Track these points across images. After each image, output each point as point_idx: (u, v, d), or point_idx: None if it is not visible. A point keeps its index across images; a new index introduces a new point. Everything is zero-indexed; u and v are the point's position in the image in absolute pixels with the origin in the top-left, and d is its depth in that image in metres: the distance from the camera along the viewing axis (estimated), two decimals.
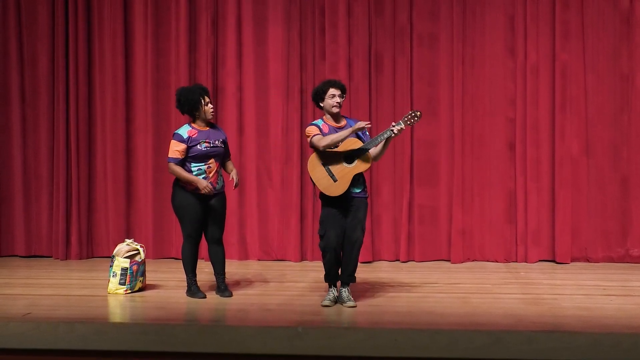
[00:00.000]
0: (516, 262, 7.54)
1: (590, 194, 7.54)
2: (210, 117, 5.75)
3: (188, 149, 5.62)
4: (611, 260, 7.50)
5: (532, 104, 7.55)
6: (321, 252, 5.52)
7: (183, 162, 5.63)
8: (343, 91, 5.56)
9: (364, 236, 5.53)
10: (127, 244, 6.09)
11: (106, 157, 7.91)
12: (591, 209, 7.54)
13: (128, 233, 7.70)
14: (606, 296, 5.82)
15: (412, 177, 7.68)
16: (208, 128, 5.74)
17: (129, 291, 5.92)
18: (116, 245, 6.19)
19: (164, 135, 7.85)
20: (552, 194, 7.55)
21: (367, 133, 5.60)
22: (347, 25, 7.64)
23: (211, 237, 5.78)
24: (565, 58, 7.51)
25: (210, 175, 5.66)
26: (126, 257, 5.96)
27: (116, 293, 5.89)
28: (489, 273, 7.01)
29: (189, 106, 5.70)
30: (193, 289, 5.79)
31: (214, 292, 5.88)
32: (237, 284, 6.36)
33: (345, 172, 5.39)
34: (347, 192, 5.41)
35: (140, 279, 6.03)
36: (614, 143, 7.52)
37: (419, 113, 5.49)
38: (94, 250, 7.97)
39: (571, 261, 7.47)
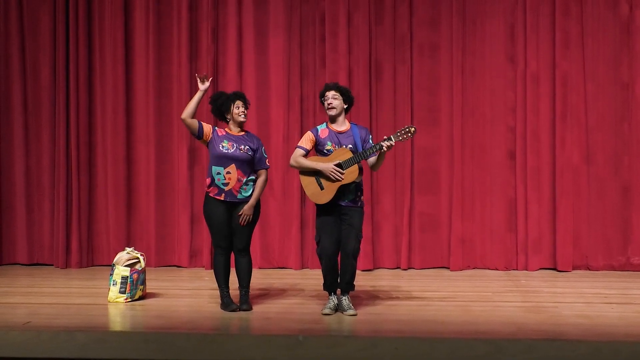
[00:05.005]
0: (517, 270, 7.54)
1: (591, 202, 7.55)
2: (241, 119, 5.61)
3: (208, 143, 5.56)
4: (612, 268, 7.50)
5: (532, 112, 7.56)
6: (318, 259, 5.53)
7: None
8: (340, 92, 5.50)
9: (360, 244, 5.48)
10: (128, 253, 6.09)
11: (107, 166, 7.93)
12: (592, 217, 7.54)
13: (128, 242, 7.71)
14: (607, 304, 5.81)
15: (412, 185, 7.70)
16: (241, 134, 5.64)
17: (129, 300, 5.92)
18: (116, 254, 6.19)
19: (165, 144, 7.88)
20: (553, 203, 7.55)
21: (370, 140, 5.55)
22: (347, 35, 7.66)
23: (235, 247, 5.63)
24: (565, 66, 7.52)
25: (231, 182, 5.52)
26: (126, 266, 5.95)
27: (116, 301, 5.89)
28: (490, 281, 7.01)
29: (219, 109, 5.64)
30: (226, 302, 5.62)
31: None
32: (238, 292, 6.35)
33: (331, 181, 5.37)
34: (336, 202, 5.40)
35: (141, 287, 6.03)
36: (615, 151, 7.53)
37: (413, 129, 5.37)
38: (94, 258, 7.98)
39: (572, 269, 7.47)
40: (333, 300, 5.51)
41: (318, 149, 5.53)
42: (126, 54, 7.91)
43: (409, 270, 7.61)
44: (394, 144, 5.31)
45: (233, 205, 5.56)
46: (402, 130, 5.38)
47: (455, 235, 7.57)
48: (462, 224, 7.59)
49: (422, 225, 7.70)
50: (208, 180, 5.57)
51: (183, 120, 5.55)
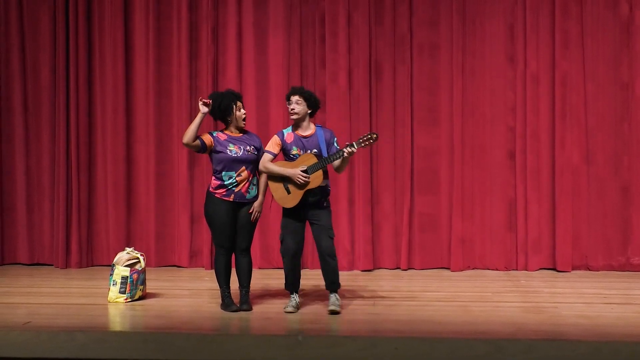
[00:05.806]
0: (516, 270, 7.54)
1: (590, 202, 7.54)
2: (243, 124, 5.63)
3: (212, 152, 5.55)
4: (612, 268, 7.49)
5: (532, 112, 7.56)
6: (281, 258, 5.62)
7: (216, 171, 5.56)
8: (304, 97, 5.51)
9: (333, 242, 5.55)
10: (127, 253, 6.09)
11: (107, 166, 7.92)
12: (592, 217, 7.54)
13: (128, 241, 7.70)
14: (607, 304, 5.81)
15: (412, 186, 7.69)
16: (241, 134, 5.63)
17: (129, 300, 5.92)
18: (116, 254, 6.19)
19: (165, 144, 7.88)
20: (553, 203, 7.55)
21: (335, 143, 5.58)
22: (347, 35, 7.66)
23: (237, 247, 5.63)
24: (565, 66, 7.52)
25: (242, 184, 5.55)
26: (126, 266, 5.96)
27: (116, 302, 5.89)
28: (490, 281, 7.01)
29: (221, 112, 5.58)
30: (226, 302, 5.63)
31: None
32: (238, 292, 6.35)
33: (298, 186, 5.44)
34: (302, 205, 5.47)
35: (141, 287, 6.03)
36: (615, 151, 7.52)
37: (375, 136, 5.44)
38: (94, 258, 7.97)
39: (572, 269, 7.46)
40: (295, 298, 5.61)
41: (284, 152, 5.60)
42: (126, 54, 7.90)
43: (409, 271, 7.60)
44: (355, 150, 5.37)
45: (239, 205, 5.58)
46: (365, 137, 5.45)
47: (455, 235, 7.57)
48: (462, 224, 7.59)
49: (422, 226, 7.70)
50: (217, 183, 5.55)
51: (186, 145, 5.52)
